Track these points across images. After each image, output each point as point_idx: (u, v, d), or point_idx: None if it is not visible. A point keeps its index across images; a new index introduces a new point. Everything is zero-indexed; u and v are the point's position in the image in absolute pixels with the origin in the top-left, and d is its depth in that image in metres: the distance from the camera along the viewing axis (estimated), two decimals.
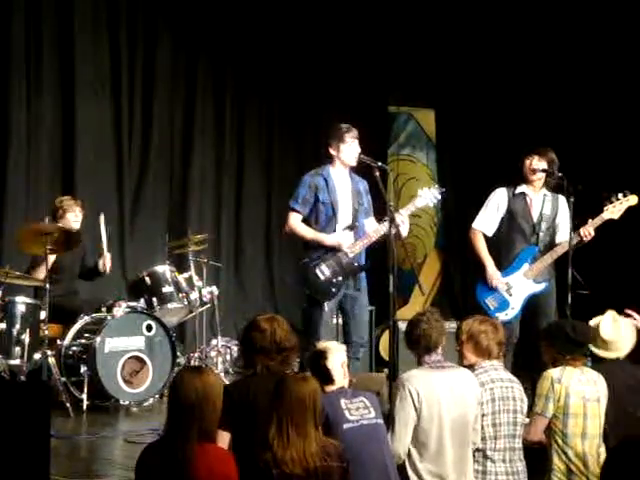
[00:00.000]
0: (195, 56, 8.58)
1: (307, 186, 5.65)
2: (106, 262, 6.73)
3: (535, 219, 6.06)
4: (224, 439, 3.58)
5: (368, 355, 7.33)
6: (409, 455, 3.95)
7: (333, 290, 5.56)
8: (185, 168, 8.52)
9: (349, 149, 5.64)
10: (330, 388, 3.86)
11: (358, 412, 3.78)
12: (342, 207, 5.67)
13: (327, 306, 5.54)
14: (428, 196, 5.73)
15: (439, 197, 5.78)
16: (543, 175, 6.02)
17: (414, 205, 5.70)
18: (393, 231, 5.17)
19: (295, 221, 5.67)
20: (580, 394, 4.16)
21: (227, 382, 6.42)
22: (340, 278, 5.57)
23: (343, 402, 3.78)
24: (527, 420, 4.27)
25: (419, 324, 4.09)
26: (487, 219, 6.11)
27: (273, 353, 3.77)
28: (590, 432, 4.16)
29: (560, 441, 4.16)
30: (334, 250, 5.60)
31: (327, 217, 5.64)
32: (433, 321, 4.09)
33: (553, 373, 4.19)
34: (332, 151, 5.69)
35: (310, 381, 3.40)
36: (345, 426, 3.72)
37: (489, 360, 4.21)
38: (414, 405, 3.92)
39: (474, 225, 6.14)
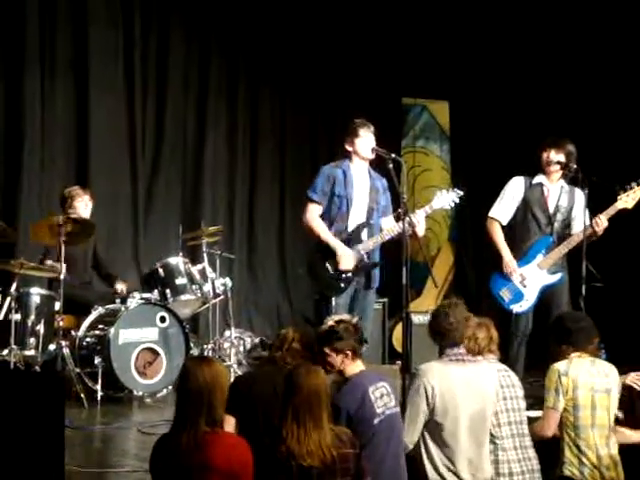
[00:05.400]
0: (208, 51, 8.58)
1: (325, 177, 5.63)
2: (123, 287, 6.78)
3: (551, 210, 6.03)
4: (230, 423, 3.62)
5: (381, 347, 7.34)
6: (426, 447, 3.94)
7: (342, 285, 5.54)
8: (198, 161, 8.52)
9: (363, 142, 5.62)
10: (354, 370, 3.87)
11: (382, 401, 3.80)
12: (357, 203, 5.65)
13: (334, 301, 5.52)
14: (446, 199, 5.70)
15: (457, 200, 5.75)
16: (559, 167, 6.00)
17: (430, 207, 5.67)
18: (406, 224, 5.16)
19: (313, 214, 5.63)
20: (588, 385, 4.15)
21: (240, 373, 6.48)
22: (349, 274, 5.56)
23: (371, 391, 3.79)
24: (530, 413, 4.27)
25: (445, 318, 4.02)
26: (503, 208, 6.09)
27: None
28: (600, 423, 4.15)
29: (572, 434, 4.15)
30: (346, 244, 5.58)
31: (340, 211, 5.62)
32: (459, 315, 4.04)
33: (559, 366, 4.19)
34: (348, 147, 5.68)
35: (321, 372, 3.41)
36: (376, 421, 3.75)
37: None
38: (427, 399, 3.91)
39: (490, 214, 6.11)
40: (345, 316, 4.18)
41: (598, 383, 4.18)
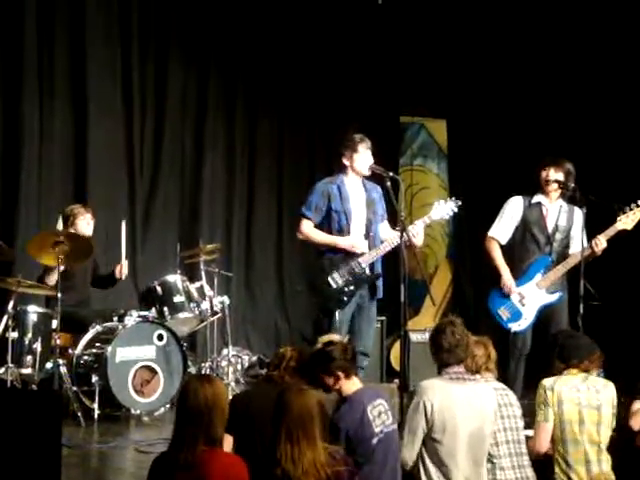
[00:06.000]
0: (206, 70, 8.60)
1: (320, 194, 5.66)
2: (123, 269, 6.75)
3: (550, 229, 6.03)
4: (228, 441, 3.61)
5: (379, 365, 7.32)
6: (424, 465, 3.92)
7: (344, 299, 5.55)
8: (196, 180, 8.53)
9: (362, 158, 5.64)
10: (351, 389, 3.85)
11: (380, 419, 3.81)
12: (355, 216, 5.67)
13: (338, 315, 5.52)
14: (444, 209, 5.72)
15: (455, 210, 5.76)
16: (557, 186, 6.00)
17: (429, 217, 5.70)
18: (404, 241, 5.16)
19: (307, 227, 5.67)
20: (574, 401, 4.17)
21: (237, 392, 6.46)
22: (352, 287, 5.56)
23: (369, 410, 3.78)
24: (528, 432, 4.27)
25: (452, 334, 3.99)
26: (502, 228, 6.10)
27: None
28: (590, 439, 4.16)
29: (561, 449, 4.17)
30: (347, 259, 5.59)
31: (340, 226, 5.64)
32: (459, 335, 4.01)
33: (546, 382, 4.23)
34: (345, 161, 5.70)
35: (311, 392, 3.39)
36: (374, 440, 3.75)
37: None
38: (426, 417, 3.89)
39: (489, 233, 6.12)
40: (335, 336, 4.19)
41: (586, 398, 4.19)
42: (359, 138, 5.68)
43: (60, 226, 6.51)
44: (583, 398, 4.18)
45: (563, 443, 4.15)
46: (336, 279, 5.55)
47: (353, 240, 5.59)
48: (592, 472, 4.12)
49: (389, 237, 5.66)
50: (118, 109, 8.08)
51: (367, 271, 5.61)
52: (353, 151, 5.66)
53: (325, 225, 5.66)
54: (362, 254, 5.61)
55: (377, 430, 3.77)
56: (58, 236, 6.07)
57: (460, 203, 5.77)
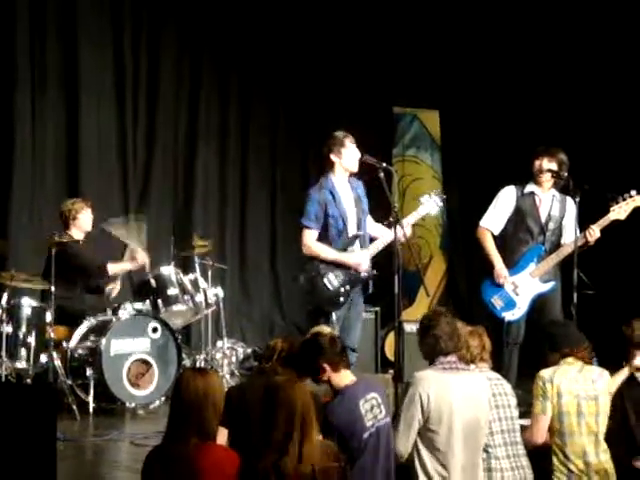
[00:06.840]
0: (199, 62, 8.60)
1: (317, 202, 5.63)
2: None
3: (543, 219, 6.04)
4: (223, 434, 3.62)
5: (373, 356, 7.34)
6: (419, 455, 3.92)
7: (341, 300, 5.56)
8: (190, 172, 8.53)
9: (350, 153, 5.64)
10: (343, 381, 3.85)
11: (372, 413, 3.80)
12: (350, 218, 5.68)
13: (335, 315, 5.53)
14: (431, 204, 5.73)
15: (441, 204, 5.78)
16: (550, 176, 6.00)
17: (418, 213, 5.71)
18: (399, 233, 5.16)
19: (312, 240, 5.63)
20: (573, 392, 4.17)
21: (233, 384, 6.46)
22: (348, 287, 5.57)
23: (361, 404, 3.78)
24: (522, 421, 4.28)
25: (441, 328, 3.98)
26: (495, 217, 6.10)
27: None
28: (588, 430, 4.16)
29: (558, 441, 4.17)
30: None
31: (337, 230, 5.63)
32: (453, 323, 4.02)
33: (544, 373, 4.22)
34: (334, 157, 5.67)
35: (304, 386, 3.34)
36: (366, 435, 3.75)
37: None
38: (422, 408, 3.89)
39: (482, 223, 6.13)
40: (324, 329, 4.18)
41: (583, 390, 4.19)
42: (343, 134, 5.68)
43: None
44: (581, 389, 4.18)
45: (561, 435, 4.15)
46: (332, 280, 5.55)
47: (360, 259, 5.58)
48: (590, 463, 4.13)
49: (381, 234, 5.67)
50: (111, 105, 8.07)
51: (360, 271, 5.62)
52: (341, 146, 5.64)
53: (323, 230, 5.65)
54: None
55: (369, 424, 3.75)
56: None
57: (445, 196, 5.79)
